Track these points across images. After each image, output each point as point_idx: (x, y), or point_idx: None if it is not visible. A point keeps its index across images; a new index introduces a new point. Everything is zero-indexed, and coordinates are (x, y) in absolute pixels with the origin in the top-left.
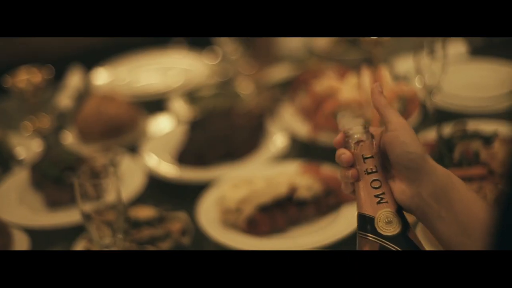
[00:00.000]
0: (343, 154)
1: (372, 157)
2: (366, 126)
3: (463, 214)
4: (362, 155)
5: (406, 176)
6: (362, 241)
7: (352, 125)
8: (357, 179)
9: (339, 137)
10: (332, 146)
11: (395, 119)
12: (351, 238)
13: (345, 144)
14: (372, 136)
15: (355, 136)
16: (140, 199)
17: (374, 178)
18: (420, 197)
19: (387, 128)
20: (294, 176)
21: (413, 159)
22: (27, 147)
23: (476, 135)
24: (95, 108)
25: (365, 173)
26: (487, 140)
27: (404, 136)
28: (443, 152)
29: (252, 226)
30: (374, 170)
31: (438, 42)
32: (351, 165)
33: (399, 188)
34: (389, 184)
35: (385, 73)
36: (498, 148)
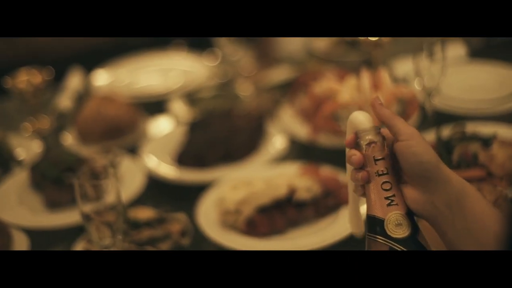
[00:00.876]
0: (354, 155)
1: (383, 159)
2: (377, 127)
3: (476, 225)
4: (373, 157)
5: (420, 184)
6: (371, 243)
7: (363, 125)
8: (367, 181)
9: (350, 137)
10: (331, 148)
11: (405, 129)
12: (350, 240)
13: (355, 145)
14: (384, 138)
15: (367, 137)
16: (140, 200)
17: (384, 180)
18: (433, 205)
19: (397, 138)
20: (293, 178)
21: (428, 169)
22: (27, 148)
23: (475, 137)
24: (95, 109)
25: (376, 175)
26: (486, 142)
27: (417, 146)
28: (442, 154)
29: (251, 227)
30: (385, 172)
31: (437, 44)
32: (362, 166)
33: (412, 195)
34: (400, 187)
35: (384, 75)
36: (496, 150)
